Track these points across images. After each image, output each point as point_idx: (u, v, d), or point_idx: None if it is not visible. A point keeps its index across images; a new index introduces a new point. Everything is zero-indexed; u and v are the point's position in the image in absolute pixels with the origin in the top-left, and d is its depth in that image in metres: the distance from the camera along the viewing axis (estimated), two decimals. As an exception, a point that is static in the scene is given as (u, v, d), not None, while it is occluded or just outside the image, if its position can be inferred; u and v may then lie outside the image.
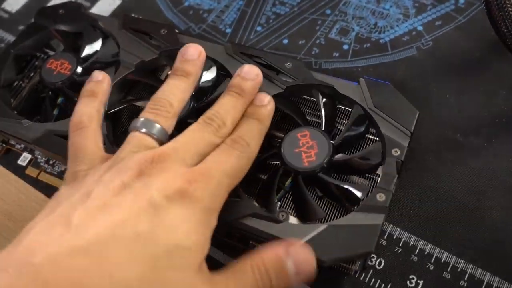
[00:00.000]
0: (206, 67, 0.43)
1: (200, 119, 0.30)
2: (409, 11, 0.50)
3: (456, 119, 0.44)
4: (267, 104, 0.32)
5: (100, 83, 0.34)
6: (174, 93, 0.31)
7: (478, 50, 0.47)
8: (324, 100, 0.39)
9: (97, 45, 0.48)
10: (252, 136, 0.30)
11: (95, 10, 0.60)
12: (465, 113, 0.44)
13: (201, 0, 0.58)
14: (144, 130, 0.29)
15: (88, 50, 0.48)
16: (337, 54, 0.46)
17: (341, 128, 0.40)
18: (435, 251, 0.38)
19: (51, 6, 0.53)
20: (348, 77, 0.41)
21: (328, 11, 0.49)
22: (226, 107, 0.31)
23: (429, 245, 0.38)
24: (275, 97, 0.39)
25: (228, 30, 0.50)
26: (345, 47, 0.46)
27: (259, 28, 0.49)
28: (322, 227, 0.32)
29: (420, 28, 0.49)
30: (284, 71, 0.41)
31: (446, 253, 0.38)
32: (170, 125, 0.30)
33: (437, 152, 0.43)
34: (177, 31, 0.47)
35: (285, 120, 0.41)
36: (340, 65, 0.49)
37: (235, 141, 0.29)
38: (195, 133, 0.29)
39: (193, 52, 0.33)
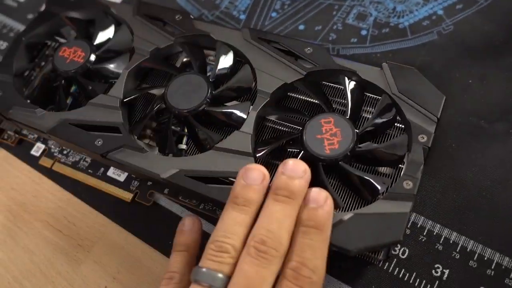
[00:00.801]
0: (223, 53, 0.42)
1: (252, 250, 0.26)
2: None
3: (479, 105, 0.43)
4: (324, 203, 0.27)
5: (192, 234, 0.33)
6: (236, 231, 0.27)
7: (500, 35, 0.46)
8: (351, 86, 0.38)
9: (110, 32, 0.48)
10: (316, 256, 0.26)
11: (105, -3, 0.59)
12: (488, 99, 0.43)
13: None
14: (207, 284, 0.26)
15: (101, 37, 0.48)
16: (355, 40, 0.45)
17: (366, 116, 0.38)
18: (460, 239, 0.37)
19: None
20: (368, 63, 0.40)
21: None
22: (277, 219, 0.27)
23: (454, 233, 0.37)
24: (297, 82, 0.39)
25: (242, 17, 0.50)
26: (363, 32, 0.45)
27: (274, 14, 0.48)
28: (348, 215, 0.32)
29: (440, 12, 0.48)
30: (304, 57, 0.40)
31: (472, 242, 0.37)
32: (233, 270, 0.26)
33: (460, 139, 0.42)
34: (192, 17, 0.46)
35: (307, 105, 0.41)
36: (358, 51, 0.48)
37: (298, 275, 0.25)
38: (251, 273, 0.25)
39: (256, 176, 0.28)
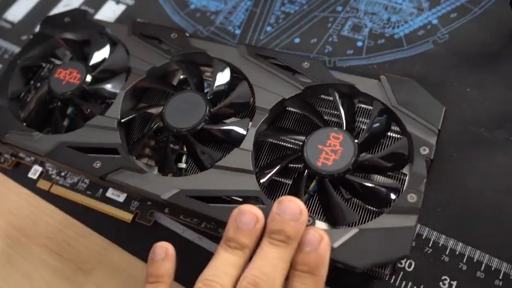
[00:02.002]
0: (220, 69, 0.42)
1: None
2: (422, 4, 0.49)
3: (478, 113, 0.43)
4: (318, 245, 0.27)
5: (164, 263, 0.30)
6: (227, 272, 0.26)
7: (496, 42, 0.46)
8: (341, 99, 0.39)
9: (105, 52, 0.47)
10: None
11: (99, 17, 0.59)
12: (487, 107, 0.43)
13: (207, 2, 0.57)
14: None
15: (97, 57, 0.47)
16: (351, 52, 0.45)
17: (363, 127, 0.38)
18: (466, 250, 0.37)
19: (57, 15, 0.52)
20: (365, 75, 0.40)
21: (339, 8, 0.48)
22: (271, 261, 0.26)
23: (460, 244, 0.37)
24: (292, 99, 0.39)
25: (237, 32, 0.50)
26: (359, 44, 0.45)
27: (269, 28, 0.48)
28: (353, 231, 0.32)
29: (435, 21, 0.48)
30: (301, 72, 0.40)
31: (478, 252, 0.36)
32: None
33: (461, 147, 0.42)
34: (187, 34, 0.46)
35: (305, 118, 0.40)
36: (355, 62, 0.48)
37: None
38: None
39: (249, 220, 0.27)
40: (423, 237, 0.38)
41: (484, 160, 0.41)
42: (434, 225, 0.38)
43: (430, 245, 0.37)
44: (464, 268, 0.36)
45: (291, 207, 0.27)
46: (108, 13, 0.58)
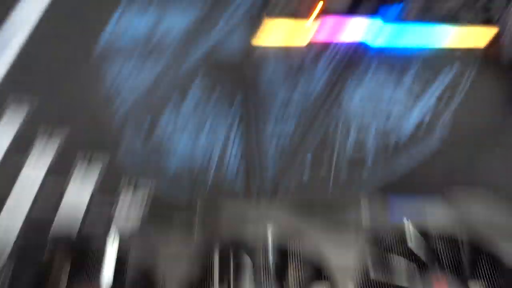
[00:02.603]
0: None
1: None
2: (408, 101, 0.50)
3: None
4: None
5: None
6: None
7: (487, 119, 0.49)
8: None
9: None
10: None
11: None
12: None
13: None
14: None
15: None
16: (367, 174, 0.44)
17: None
18: None
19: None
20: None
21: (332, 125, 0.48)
22: None
23: None
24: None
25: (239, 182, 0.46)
26: (369, 162, 0.45)
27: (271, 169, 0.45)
28: None
29: (427, 117, 0.49)
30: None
31: None
32: None
33: None
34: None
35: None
36: (376, 179, 0.45)
37: None
38: None
39: None
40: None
41: None
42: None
43: None
44: None
45: None
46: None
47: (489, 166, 0.40)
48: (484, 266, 0.31)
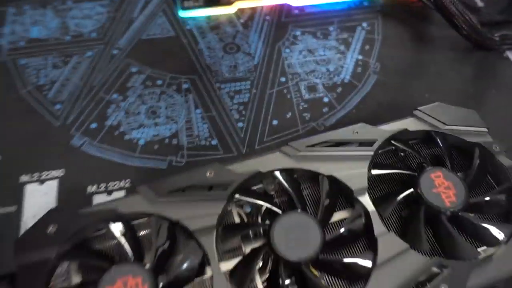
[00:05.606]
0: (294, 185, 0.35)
1: None
2: (340, 49, 0.55)
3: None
4: None
5: None
6: None
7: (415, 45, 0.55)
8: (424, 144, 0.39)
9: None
10: None
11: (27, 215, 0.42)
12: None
13: (154, 130, 0.44)
14: None
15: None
16: (327, 109, 0.48)
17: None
18: None
19: (30, 232, 0.30)
20: (355, 121, 0.42)
21: (283, 79, 0.50)
22: None
23: None
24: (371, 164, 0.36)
25: (214, 142, 0.46)
26: (326, 99, 0.49)
27: (240, 124, 0.46)
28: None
29: (360, 57, 0.55)
30: (354, 141, 0.36)
31: None
32: None
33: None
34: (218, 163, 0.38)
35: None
36: (338, 115, 0.50)
37: None
38: None
39: None
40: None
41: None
42: None
43: None
44: None
45: None
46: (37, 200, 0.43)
47: (420, 91, 0.45)
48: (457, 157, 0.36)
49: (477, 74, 0.51)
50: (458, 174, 0.35)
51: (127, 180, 0.41)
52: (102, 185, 0.41)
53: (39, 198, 0.39)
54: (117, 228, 0.32)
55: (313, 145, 0.36)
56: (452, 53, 0.53)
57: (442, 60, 0.52)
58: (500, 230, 0.32)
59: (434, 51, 0.53)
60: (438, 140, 0.37)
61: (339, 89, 0.48)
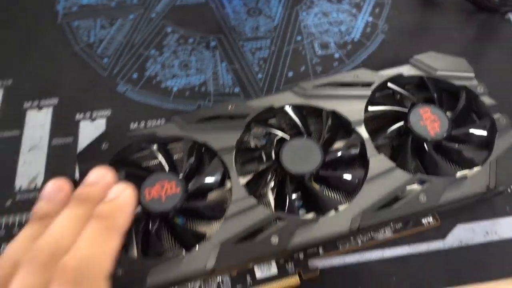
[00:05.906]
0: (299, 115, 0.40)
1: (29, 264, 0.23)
2: (352, 12, 0.60)
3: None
4: (110, 200, 0.27)
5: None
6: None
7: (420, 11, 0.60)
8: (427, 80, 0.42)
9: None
10: (87, 245, 0.24)
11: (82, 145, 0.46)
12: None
13: (186, 79, 0.50)
14: None
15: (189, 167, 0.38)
16: (337, 64, 0.54)
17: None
18: None
19: (88, 148, 0.38)
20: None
21: (299, 37, 0.56)
22: (60, 221, 0.25)
23: None
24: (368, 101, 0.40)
25: (237, 90, 0.52)
26: (336, 55, 0.54)
27: (260, 76, 0.53)
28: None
29: (370, 19, 0.60)
30: (356, 83, 0.41)
31: None
32: None
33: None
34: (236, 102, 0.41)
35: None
36: (346, 69, 0.56)
37: (61, 265, 0.23)
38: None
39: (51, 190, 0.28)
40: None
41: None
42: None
43: None
44: None
45: (92, 173, 0.29)
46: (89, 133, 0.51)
47: (424, 50, 0.48)
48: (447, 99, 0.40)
49: (479, 34, 0.55)
50: (446, 113, 0.38)
51: (162, 119, 0.48)
52: (142, 123, 0.48)
53: (91, 132, 0.47)
54: (156, 147, 0.39)
55: (319, 86, 0.42)
56: (457, 15, 0.57)
57: (447, 22, 0.56)
58: (477, 156, 0.36)
59: (440, 14, 0.57)
60: (429, 84, 0.42)
61: (349, 47, 0.53)
